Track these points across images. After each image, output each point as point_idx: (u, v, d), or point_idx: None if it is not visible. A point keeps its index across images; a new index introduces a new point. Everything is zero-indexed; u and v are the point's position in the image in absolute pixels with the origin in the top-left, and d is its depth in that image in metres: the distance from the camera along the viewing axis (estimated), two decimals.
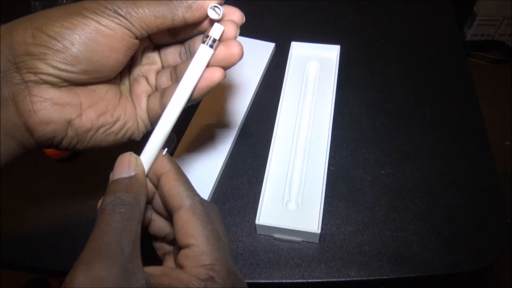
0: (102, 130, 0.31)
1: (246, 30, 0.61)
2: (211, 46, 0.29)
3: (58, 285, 1.03)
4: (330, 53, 0.57)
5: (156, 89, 0.34)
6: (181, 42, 0.34)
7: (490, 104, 1.33)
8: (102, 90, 0.31)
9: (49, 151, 0.49)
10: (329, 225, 0.45)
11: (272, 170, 0.47)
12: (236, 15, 0.31)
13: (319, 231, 0.42)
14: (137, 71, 0.34)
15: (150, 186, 0.30)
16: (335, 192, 0.47)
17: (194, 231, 0.26)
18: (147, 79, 0.33)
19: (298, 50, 0.57)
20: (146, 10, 0.28)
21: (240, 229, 0.45)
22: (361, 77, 0.57)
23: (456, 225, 0.45)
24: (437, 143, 0.51)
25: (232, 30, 0.30)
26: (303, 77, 0.55)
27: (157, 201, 0.30)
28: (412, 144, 0.51)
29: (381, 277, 0.42)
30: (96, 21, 0.27)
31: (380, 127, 0.52)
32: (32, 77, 0.27)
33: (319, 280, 0.42)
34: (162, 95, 0.31)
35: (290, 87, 0.54)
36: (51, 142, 0.30)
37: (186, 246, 0.26)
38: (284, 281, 0.42)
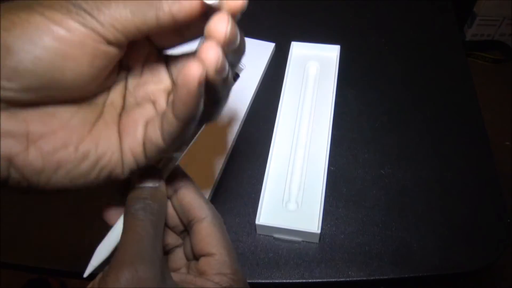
0: (62, 171, 0.22)
1: (246, 30, 0.61)
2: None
3: (58, 285, 1.03)
4: (330, 53, 0.57)
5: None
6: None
7: (490, 104, 1.32)
8: (65, 114, 0.23)
9: None
10: (329, 225, 0.45)
11: (272, 170, 0.47)
12: None
13: (319, 231, 0.42)
14: (139, 91, 0.26)
15: None
16: (335, 192, 0.47)
17: (216, 242, 0.28)
18: (154, 103, 0.25)
19: (298, 50, 0.57)
20: (120, 4, 0.21)
21: (240, 229, 0.45)
22: (361, 77, 0.57)
23: (456, 225, 0.45)
24: (437, 143, 0.51)
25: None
26: (303, 77, 0.55)
27: (168, 213, 0.31)
28: (412, 144, 0.51)
29: (381, 277, 0.42)
30: (47, 17, 0.20)
31: (380, 127, 0.52)
32: None
33: (319, 280, 0.42)
34: (162, 117, 0.23)
35: (290, 87, 0.54)
36: None
37: (208, 255, 0.28)
38: (284, 281, 0.42)
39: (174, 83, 0.26)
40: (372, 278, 0.42)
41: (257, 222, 0.43)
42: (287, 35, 0.59)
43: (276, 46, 0.59)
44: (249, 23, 0.63)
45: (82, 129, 0.23)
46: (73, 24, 0.20)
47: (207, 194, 0.46)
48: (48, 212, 0.47)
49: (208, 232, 0.28)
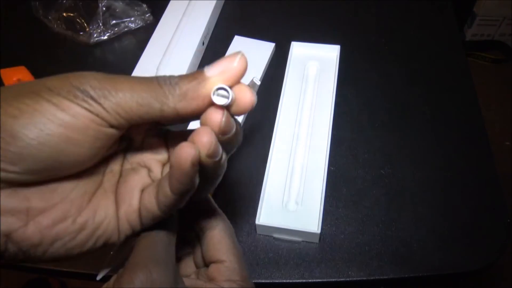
0: (59, 244, 0.23)
1: (246, 30, 0.61)
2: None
3: (58, 285, 1.03)
4: (330, 53, 0.57)
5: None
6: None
7: (490, 104, 1.33)
8: (66, 188, 0.23)
9: None
10: (329, 225, 0.45)
11: (272, 170, 0.47)
12: (245, 97, 0.24)
13: (319, 231, 0.42)
14: (135, 158, 0.26)
15: None
16: (335, 192, 0.47)
17: (226, 250, 0.29)
18: (149, 170, 0.26)
19: (298, 50, 0.57)
20: (127, 94, 0.21)
21: (240, 229, 0.45)
22: (361, 77, 0.57)
23: (456, 225, 0.45)
24: (437, 143, 0.51)
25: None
26: (303, 77, 0.55)
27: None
28: (412, 144, 0.51)
29: (381, 277, 0.42)
30: (54, 104, 0.20)
31: (380, 127, 0.52)
32: None
33: (319, 280, 0.42)
34: (158, 189, 0.23)
35: (290, 87, 0.54)
36: None
37: (219, 262, 0.29)
38: (284, 281, 0.42)
39: (170, 157, 0.27)
40: (372, 278, 0.42)
41: (257, 222, 0.43)
42: (287, 35, 0.59)
43: (276, 46, 0.59)
44: (249, 23, 0.63)
45: (82, 200, 0.24)
46: (79, 110, 0.21)
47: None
48: None
49: (219, 239, 0.29)
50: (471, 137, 0.51)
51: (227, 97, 0.22)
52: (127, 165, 0.26)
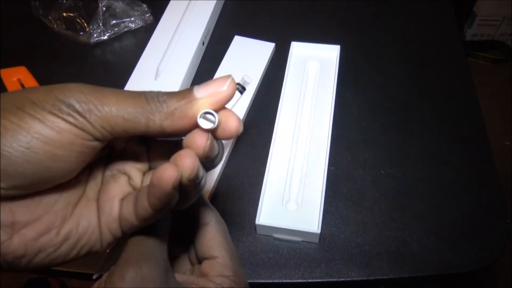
0: (43, 254, 0.23)
1: (246, 30, 0.61)
2: (240, 92, 0.27)
3: (58, 285, 1.03)
4: (330, 53, 0.57)
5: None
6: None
7: (490, 104, 1.33)
8: (50, 200, 0.24)
9: None
10: (329, 225, 0.45)
11: (272, 170, 0.47)
12: (232, 124, 0.23)
13: (319, 231, 0.42)
14: (116, 165, 0.27)
15: None
16: (335, 192, 0.47)
17: (219, 246, 0.29)
18: (129, 178, 0.26)
19: (298, 50, 0.57)
20: (113, 108, 0.21)
21: (240, 229, 0.45)
22: (361, 77, 0.57)
23: (456, 225, 0.45)
24: (437, 143, 0.51)
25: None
26: (303, 77, 0.55)
27: None
28: (412, 144, 0.51)
29: (381, 277, 0.42)
30: (39, 119, 0.20)
31: (380, 127, 0.52)
32: None
33: (319, 280, 0.42)
34: (136, 201, 0.24)
35: (290, 87, 0.54)
36: None
37: (211, 258, 0.29)
38: (284, 281, 0.42)
39: (150, 166, 0.27)
40: (372, 278, 0.42)
41: (257, 222, 0.43)
42: (287, 35, 0.59)
43: (276, 46, 0.59)
44: (249, 23, 0.63)
45: (65, 211, 0.24)
46: (64, 125, 0.21)
47: (207, 194, 0.46)
48: None
49: (212, 236, 0.29)
50: (471, 137, 0.51)
51: (213, 122, 0.23)
52: (108, 172, 0.26)
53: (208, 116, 0.23)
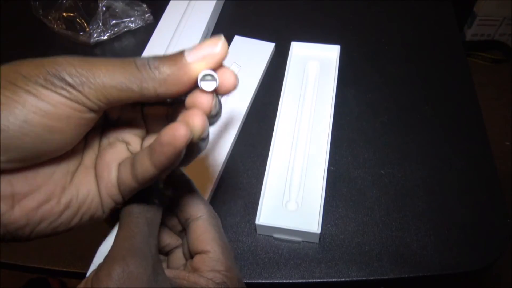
0: (45, 223, 0.23)
1: (246, 30, 0.61)
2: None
3: (58, 285, 1.03)
4: (330, 53, 0.57)
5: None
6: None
7: (490, 104, 1.33)
8: (49, 171, 0.24)
9: None
10: (329, 225, 0.45)
11: (272, 170, 0.47)
12: (229, 80, 0.23)
13: (319, 231, 0.42)
14: (113, 133, 0.26)
15: None
16: (335, 192, 0.47)
17: (211, 240, 0.28)
18: (127, 144, 0.26)
19: (298, 50, 0.57)
20: (105, 79, 0.21)
21: (240, 229, 0.45)
22: (361, 77, 0.57)
23: (456, 225, 0.45)
24: (437, 143, 0.51)
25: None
26: (303, 77, 0.55)
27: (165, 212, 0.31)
28: (412, 144, 0.51)
29: (381, 277, 0.42)
30: (33, 94, 0.20)
31: (380, 127, 0.52)
32: None
33: (319, 280, 0.42)
34: (133, 163, 0.24)
35: (290, 87, 0.54)
36: None
37: (203, 252, 0.28)
38: (284, 281, 0.42)
39: (148, 130, 0.27)
40: (372, 278, 0.42)
41: (257, 222, 0.43)
42: (287, 35, 0.59)
43: (276, 46, 0.59)
44: (249, 23, 0.63)
45: (64, 180, 0.24)
46: (59, 99, 0.21)
47: (207, 194, 0.46)
48: None
49: (203, 230, 0.29)
50: (471, 137, 0.51)
51: (215, 82, 0.23)
52: (105, 140, 0.26)
53: (208, 77, 0.23)
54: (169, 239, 0.31)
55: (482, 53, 1.49)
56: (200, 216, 0.29)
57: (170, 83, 0.22)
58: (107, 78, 0.21)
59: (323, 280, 0.42)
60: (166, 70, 0.22)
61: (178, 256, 0.31)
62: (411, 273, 0.42)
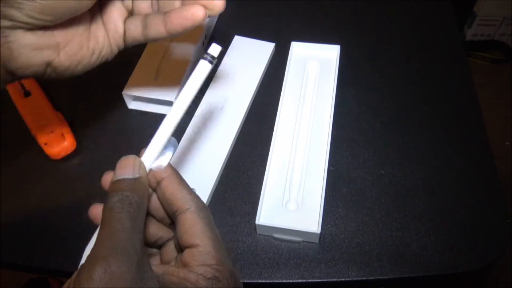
0: (80, 65, 0.34)
1: (246, 30, 0.61)
2: (210, 62, 0.32)
3: (58, 285, 1.03)
4: (330, 53, 0.57)
5: (132, 13, 0.37)
6: None
7: (490, 104, 1.33)
8: (75, 27, 0.33)
9: (49, 151, 0.49)
10: (329, 225, 0.45)
11: (272, 170, 0.47)
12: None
13: (319, 231, 0.42)
14: None
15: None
16: (335, 192, 0.47)
17: (200, 233, 0.28)
18: (122, 1, 0.36)
19: (298, 50, 0.57)
20: None
21: (240, 229, 0.45)
22: (361, 77, 0.57)
23: (456, 225, 0.45)
24: (437, 143, 0.51)
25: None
26: (303, 77, 0.55)
27: (152, 203, 0.30)
28: (412, 144, 0.51)
29: (381, 277, 0.42)
30: None
31: (380, 127, 0.52)
32: (8, 23, 0.28)
33: (319, 280, 0.42)
34: (145, 25, 0.35)
35: (290, 87, 0.54)
36: (30, 78, 0.33)
37: (192, 246, 0.27)
38: (284, 281, 0.42)
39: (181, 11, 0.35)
40: (372, 278, 0.42)
41: (257, 222, 0.43)
42: (287, 35, 0.59)
43: (276, 46, 0.59)
44: (249, 23, 0.63)
45: (86, 33, 0.34)
46: None
47: (207, 194, 0.46)
48: (48, 213, 0.47)
49: (192, 223, 0.28)
50: (471, 137, 0.51)
51: None
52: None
53: None
54: (161, 232, 0.31)
55: (482, 53, 1.49)
56: (188, 209, 0.28)
57: None
58: None
59: (323, 280, 0.42)
60: None
61: (172, 249, 0.30)
62: (411, 273, 0.42)
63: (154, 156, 0.30)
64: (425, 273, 0.42)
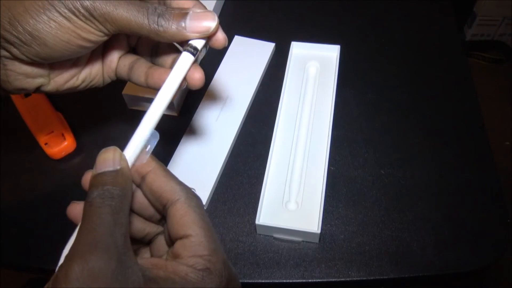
0: (67, 90, 0.36)
1: (246, 30, 0.61)
2: (192, 54, 0.31)
3: None
4: (330, 53, 0.57)
5: (135, 49, 0.38)
6: None
7: (490, 104, 1.32)
8: (71, 62, 0.35)
9: (49, 151, 0.49)
10: (329, 225, 0.45)
11: (272, 170, 0.47)
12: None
13: (319, 231, 0.42)
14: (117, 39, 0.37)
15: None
16: (335, 192, 0.47)
17: (191, 223, 0.27)
18: (127, 36, 0.37)
19: (298, 50, 0.57)
20: (123, 22, 0.30)
21: (240, 229, 0.45)
22: (361, 77, 0.57)
23: (456, 225, 0.45)
24: (437, 143, 0.51)
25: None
26: (303, 77, 0.55)
27: (137, 202, 0.30)
28: (412, 144, 0.51)
29: (381, 277, 0.42)
30: (67, 18, 0.29)
31: (380, 127, 0.52)
32: (7, 54, 0.31)
33: (319, 280, 0.42)
34: (131, 67, 0.36)
35: (290, 87, 0.54)
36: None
37: (184, 237, 0.26)
38: (284, 281, 0.42)
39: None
40: (372, 278, 0.42)
41: (257, 222, 0.43)
42: (287, 35, 0.59)
43: (276, 46, 0.59)
44: (249, 23, 0.63)
45: (83, 65, 0.36)
46: (81, 24, 0.30)
47: (207, 194, 0.46)
48: (48, 213, 0.47)
49: (183, 213, 0.27)
50: (471, 137, 0.51)
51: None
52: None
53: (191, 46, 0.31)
54: (148, 227, 0.30)
55: (482, 53, 1.49)
56: (178, 199, 0.27)
57: (165, 37, 0.31)
58: (123, 20, 0.30)
59: (323, 280, 0.42)
60: (167, 28, 0.30)
61: (161, 243, 0.30)
62: (411, 273, 0.42)
63: (137, 149, 0.28)
64: (425, 273, 0.42)
